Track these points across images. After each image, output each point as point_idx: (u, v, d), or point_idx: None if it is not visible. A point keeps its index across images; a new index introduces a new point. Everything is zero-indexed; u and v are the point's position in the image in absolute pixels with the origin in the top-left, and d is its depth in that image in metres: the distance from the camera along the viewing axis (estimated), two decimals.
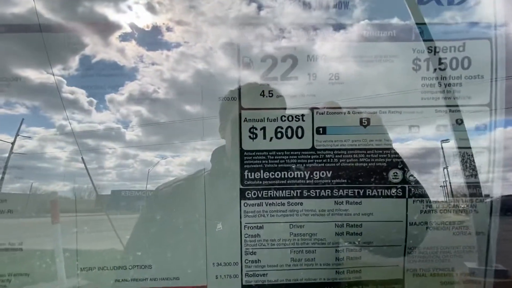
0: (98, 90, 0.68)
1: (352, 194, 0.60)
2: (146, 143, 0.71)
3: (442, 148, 0.62)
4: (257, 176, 0.60)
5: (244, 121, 0.60)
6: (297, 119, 0.60)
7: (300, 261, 0.60)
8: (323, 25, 0.61)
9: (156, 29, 0.66)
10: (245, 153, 0.60)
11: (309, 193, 0.60)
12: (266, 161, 0.60)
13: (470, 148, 0.61)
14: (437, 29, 0.63)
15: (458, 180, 0.62)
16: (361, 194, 0.60)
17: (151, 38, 0.67)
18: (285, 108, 0.61)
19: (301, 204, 0.60)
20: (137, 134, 0.71)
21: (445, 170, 0.63)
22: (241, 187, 0.60)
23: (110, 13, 0.67)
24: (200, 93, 0.64)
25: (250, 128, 0.60)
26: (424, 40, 0.62)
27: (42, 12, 0.64)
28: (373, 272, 0.61)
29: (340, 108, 0.60)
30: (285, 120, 0.60)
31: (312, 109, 0.60)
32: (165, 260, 0.61)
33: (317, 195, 0.60)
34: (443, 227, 0.61)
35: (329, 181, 0.60)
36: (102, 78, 0.68)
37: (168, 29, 0.66)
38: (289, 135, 0.60)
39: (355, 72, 0.60)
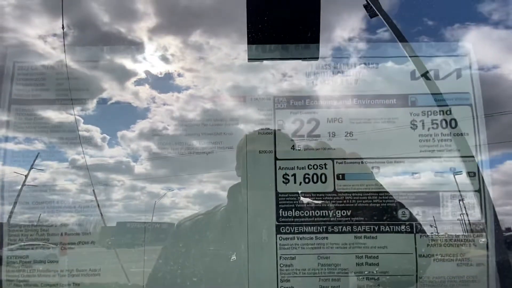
0: (111, 127, 0.76)
1: (369, 230, 0.73)
2: (154, 176, 0.75)
3: (455, 180, 0.74)
4: (290, 214, 0.74)
5: (279, 169, 0.75)
6: (321, 167, 0.75)
7: None
8: (342, 97, 0.79)
9: (168, 75, 0.78)
10: (279, 195, 0.74)
11: (333, 229, 0.73)
12: (297, 202, 0.74)
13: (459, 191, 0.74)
14: (428, 97, 0.80)
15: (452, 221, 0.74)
16: (376, 230, 0.73)
17: (164, 83, 0.78)
18: (311, 159, 0.76)
19: (327, 238, 0.72)
20: (145, 167, 0.76)
21: (461, 202, 0.74)
22: (277, 223, 0.73)
23: (127, 63, 0.79)
24: (207, 129, 0.75)
25: (284, 175, 0.75)
26: (418, 106, 0.79)
27: (70, 64, 0.76)
28: None
29: (355, 158, 0.75)
30: (311, 168, 0.75)
31: (332, 159, 0.75)
32: (212, 282, 0.72)
33: (340, 230, 0.73)
34: (448, 259, 0.72)
35: (349, 218, 0.73)
36: (116, 117, 0.77)
37: (179, 75, 0.79)
38: (315, 180, 0.75)
39: (366, 130, 0.77)
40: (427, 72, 0.80)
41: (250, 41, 0.80)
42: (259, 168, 0.76)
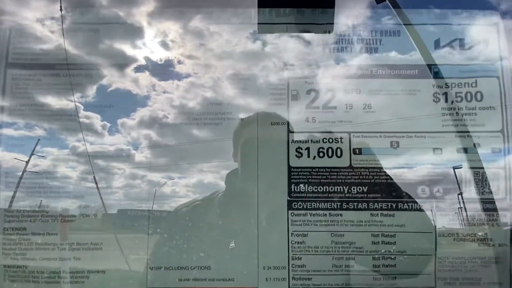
0: (111, 115, 0.75)
1: (386, 207, 0.69)
2: (155, 164, 0.74)
3: (455, 174, 0.71)
4: (302, 189, 0.70)
5: (292, 142, 0.71)
6: (336, 141, 0.71)
7: (341, 267, 0.67)
8: (360, 67, 0.74)
9: (168, 62, 0.76)
10: (292, 169, 0.70)
11: (348, 206, 0.69)
12: (310, 177, 0.70)
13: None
14: (452, 68, 0.74)
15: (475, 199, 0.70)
16: (394, 207, 0.69)
17: (164, 70, 0.76)
18: (326, 132, 0.71)
19: (341, 215, 0.69)
20: (146, 155, 0.74)
21: (460, 196, 0.70)
22: (289, 198, 0.69)
23: (127, 48, 0.77)
24: (208, 118, 0.73)
25: (297, 148, 0.71)
26: (441, 77, 0.74)
27: (68, 48, 0.74)
28: (408, 279, 0.67)
29: (373, 132, 0.70)
30: (326, 142, 0.71)
31: (349, 133, 0.71)
32: (223, 262, 0.69)
33: (355, 207, 0.69)
34: (469, 239, 0.68)
35: (365, 195, 0.69)
36: (116, 105, 0.75)
37: (179, 62, 0.77)
38: (330, 154, 0.70)
39: (385, 103, 0.72)
40: (452, 41, 0.74)
41: (261, 5, 0.75)
42: (271, 141, 0.72)
